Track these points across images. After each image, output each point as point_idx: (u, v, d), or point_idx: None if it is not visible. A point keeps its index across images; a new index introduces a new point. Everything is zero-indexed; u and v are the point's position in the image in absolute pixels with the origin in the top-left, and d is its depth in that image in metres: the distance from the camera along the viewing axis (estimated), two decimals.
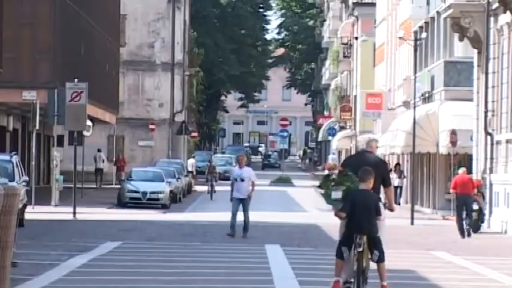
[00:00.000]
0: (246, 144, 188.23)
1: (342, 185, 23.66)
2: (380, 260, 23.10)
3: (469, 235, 44.68)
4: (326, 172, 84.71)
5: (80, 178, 60.21)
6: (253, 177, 41.43)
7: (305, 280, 25.47)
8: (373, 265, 22.57)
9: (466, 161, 56.54)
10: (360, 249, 22.84)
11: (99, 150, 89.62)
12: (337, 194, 23.72)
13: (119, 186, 71.78)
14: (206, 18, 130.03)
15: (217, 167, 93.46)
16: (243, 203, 40.07)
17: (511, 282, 26.40)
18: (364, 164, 23.95)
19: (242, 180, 40.41)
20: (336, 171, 24.23)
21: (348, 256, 23.00)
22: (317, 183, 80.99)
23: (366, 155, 24.75)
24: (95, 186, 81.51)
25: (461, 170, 48.40)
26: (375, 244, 23.09)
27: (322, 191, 24.46)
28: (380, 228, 23.33)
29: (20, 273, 23.23)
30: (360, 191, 23.48)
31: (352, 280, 23.04)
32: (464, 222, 45.27)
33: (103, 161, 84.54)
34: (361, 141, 28.81)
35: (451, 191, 47.04)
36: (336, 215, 23.68)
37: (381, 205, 23.58)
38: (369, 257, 23.05)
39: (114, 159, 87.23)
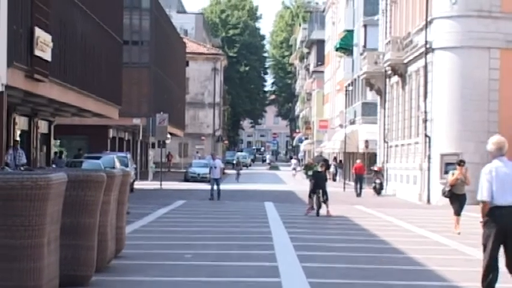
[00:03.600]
0: (254, 147, 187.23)
1: (312, 169, 30.76)
2: (326, 199, 29.01)
3: (359, 196, 44.88)
4: (293, 161, 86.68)
5: (163, 165, 60.26)
6: (221, 165, 41.50)
7: (286, 221, 25.51)
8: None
9: (373, 157, 56.52)
10: (319, 195, 28.86)
11: (197, 152, 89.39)
12: (310, 173, 30.93)
13: (178, 170, 72.29)
14: (232, 79, 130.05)
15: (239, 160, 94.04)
16: (216, 181, 38.91)
17: (398, 222, 26.45)
18: (320, 160, 31.64)
19: (215, 167, 39.43)
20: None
21: (313, 197, 29.05)
22: (292, 171, 79.78)
23: (321, 157, 36.51)
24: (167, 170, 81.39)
25: (358, 161, 49.11)
26: (325, 193, 29.01)
27: (304, 171, 35.36)
28: (326, 187, 29.59)
29: (131, 217, 23.29)
30: (319, 171, 29.91)
31: (315, 207, 28.87)
32: (359, 189, 45.95)
33: (199, 158, 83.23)
34: (318, 151, 36.62)
35: (352, 171, 48.37)
36: (310, 181, 30.19)
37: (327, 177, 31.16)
38: (322, 199, 28.87)
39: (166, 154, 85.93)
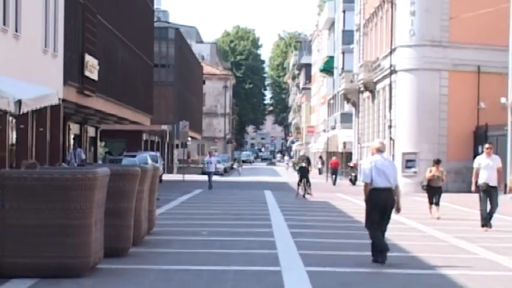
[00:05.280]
0: (256, 147, 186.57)
1: (298, 164, 33.08)
2: (309, 186, 31.16)
3: (334, 184, 44.73)
4: (285, 158, 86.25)
5: (185, 161, 60.22)
6: (216, 162, 40.60)
7: (281, 205, 25.45)
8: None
9: (349, 155, 56.48)
10: (303, 184, 30.82)
11: (215, 151, 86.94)
12: (297, 167, 33.31)
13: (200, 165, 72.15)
14: (239, 94, 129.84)
15: (243, 157, 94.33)
16: (210, 174, 37.55)
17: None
18: (304, 159, 33.58)
19: (211, 163, 38.21)
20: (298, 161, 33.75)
21: (300, 184, 30.99)
22: (285, 165, 78.63)
23: (305, 156, 35.97)
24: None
25: (334, 157, 49.20)
26: (308, 181, 31.14)
27: (294, 166, 34.07)
28: (309, 177, 31.48)
29: (160, 203, 23.29)
30: (303, 166, 31.55)
31: (302, 193, 30.66)
32: (334, 180, 45.99)
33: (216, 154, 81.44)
34: (302, 152, 36.52)
35: (330, 166, 48.20)
36: (298, 173, 32.08)
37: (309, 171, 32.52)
38: (306, 185, 30.89)
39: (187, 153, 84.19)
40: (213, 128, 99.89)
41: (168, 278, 10.02)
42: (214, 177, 46.09)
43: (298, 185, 31.49)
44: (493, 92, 36.91)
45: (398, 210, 11.78)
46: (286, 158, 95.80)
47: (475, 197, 18.16)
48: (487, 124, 37.45)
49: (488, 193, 17.37)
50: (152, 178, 14.61)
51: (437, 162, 21.89)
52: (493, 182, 17.34)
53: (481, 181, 17.39)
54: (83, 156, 31.47)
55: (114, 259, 11.27)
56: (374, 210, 11.64)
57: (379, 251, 11.54)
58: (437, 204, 21.33)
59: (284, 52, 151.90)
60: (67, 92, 29.96)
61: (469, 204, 25.44)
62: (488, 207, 17.51)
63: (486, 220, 17.51)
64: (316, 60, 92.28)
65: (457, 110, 38.38)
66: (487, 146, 18.05)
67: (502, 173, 17.48)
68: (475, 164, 17.71)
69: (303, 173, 31.39)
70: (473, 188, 17.78)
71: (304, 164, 32.27)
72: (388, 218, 11.74)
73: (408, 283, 9.95)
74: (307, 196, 30.75)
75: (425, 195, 22.13)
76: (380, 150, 12.02)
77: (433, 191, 21.36)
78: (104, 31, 36.67)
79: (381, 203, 11.57)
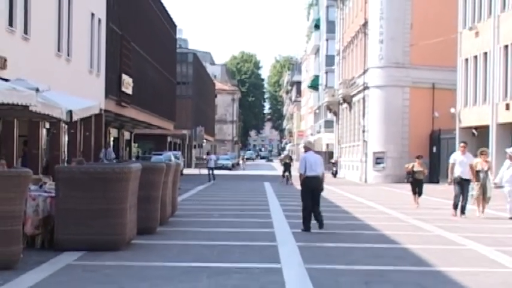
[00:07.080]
0: (257, 148, 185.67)
1: (284, 161, 33.80)
2: (290, 176, 32.37)
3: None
4: (281, 156, 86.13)
5: (200, 159, 60.13)
6: (215, 159, 39.81)
7: (277, 193, 25.39)
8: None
9: (331, 154, 56.29)
10: (286, 174, 33.11)
11: (228, 151, 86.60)
12: (283, 162, 33.84)
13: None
14: (244, 105, 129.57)
15: (247, 156, 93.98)
16: (212, 169, 36.09)
17: (347, 194, 26.24)
18: (288, 157, 34.36)
19: (211, 160, 37.09)
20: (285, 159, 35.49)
21: (284, 175, 33.18)
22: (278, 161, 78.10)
23: (288, 155, 35.87)
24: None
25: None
26: (289, 173, 32.89)
27: (280, 162, 36.44)
28: (292, 171, 32.37)
29: (181, 191, 23.25)
30: (287, 162, 33.42)
31: (285, 180, 32.69)
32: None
33: (224, 154, 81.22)
34: (286, 152, 38.41)
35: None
36: (283, 167, 33.59)
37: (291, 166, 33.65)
38: (288, 176, 32.74)
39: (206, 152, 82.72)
40: (223, 132, 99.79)
41: (188, 251, 10.00)
42: (224, 171, 45.85)
43: (282, 175, 34.46)
44: (444, 104, 37.01)
45: (322, 190, 12.93)
46: (282, 156, 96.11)
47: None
48: (440, 129, 37.47)
49: (462, 185, 16.20)
50: (175, 172, 14.59)
51: (418, 157, 20.41)
52: (466, 176, 16.22)
53: (456, 175, 16.23)
54: (113, 155, 31.00)
55: (145, 236, 11.26)
56: (307, 193, 12.73)
57: (308, 221, 12.60)
58: (420, 194, 20.02)
59: (279, 72, 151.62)
60: (107, 103, 29.97)
61: (427, 192, 25.36)
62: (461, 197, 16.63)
63: (459, 208, 16.18)
64: (305, 79, 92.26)
65: (416, 118, 38.38)
66: (462, 144, 16.68)
67: (473, 168, 16.71)
68: (451, 160, 16.46)
69: (286, 167, 33.79)
70: (449, 180, 16.55)
71: (287, 161, 34.24)
72: (318, 197, 12.82)
73: (378, 254, 9.93)
74: (289, 183, 32.90)
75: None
76: (309, 148, 13.28)
77: (416, 183, 20.11)
78: (137, 55, 36.69)
79: (312, 187, 12.71)
